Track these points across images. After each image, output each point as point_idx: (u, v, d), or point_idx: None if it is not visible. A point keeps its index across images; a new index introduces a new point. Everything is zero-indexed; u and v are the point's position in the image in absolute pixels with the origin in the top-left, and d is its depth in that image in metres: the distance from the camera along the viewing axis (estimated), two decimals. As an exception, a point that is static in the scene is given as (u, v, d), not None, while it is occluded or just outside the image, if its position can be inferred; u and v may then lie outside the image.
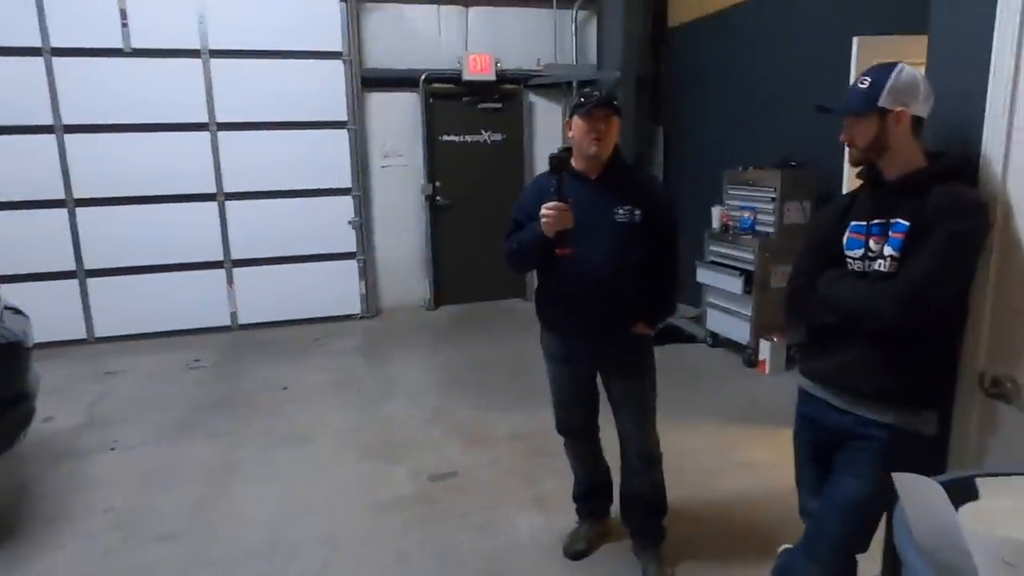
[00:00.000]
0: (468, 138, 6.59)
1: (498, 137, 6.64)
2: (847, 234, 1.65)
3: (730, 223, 4.89)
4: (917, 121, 1.55)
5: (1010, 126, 1.49)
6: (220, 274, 5.98)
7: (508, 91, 6.56)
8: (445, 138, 6.53)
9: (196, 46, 5.58)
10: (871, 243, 1.59)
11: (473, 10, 6.37)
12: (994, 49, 1.49)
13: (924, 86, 1.54)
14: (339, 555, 2.62)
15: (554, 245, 2.05)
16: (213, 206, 5.87)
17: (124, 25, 5.39)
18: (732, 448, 3.44)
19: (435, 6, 6.26)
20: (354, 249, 6.30)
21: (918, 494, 0.95)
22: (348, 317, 6.32)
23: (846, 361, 1.64)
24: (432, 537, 2.72)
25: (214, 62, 5.63)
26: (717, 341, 5.12)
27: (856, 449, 1.66)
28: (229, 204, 5.90)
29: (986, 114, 1.54)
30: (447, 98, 6.43)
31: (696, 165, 6.09)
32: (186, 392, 4.43)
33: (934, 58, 1.68)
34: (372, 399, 4.24)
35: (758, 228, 4.64)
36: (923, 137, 1.59)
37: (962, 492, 0.94)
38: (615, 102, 2.12)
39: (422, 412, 4.00)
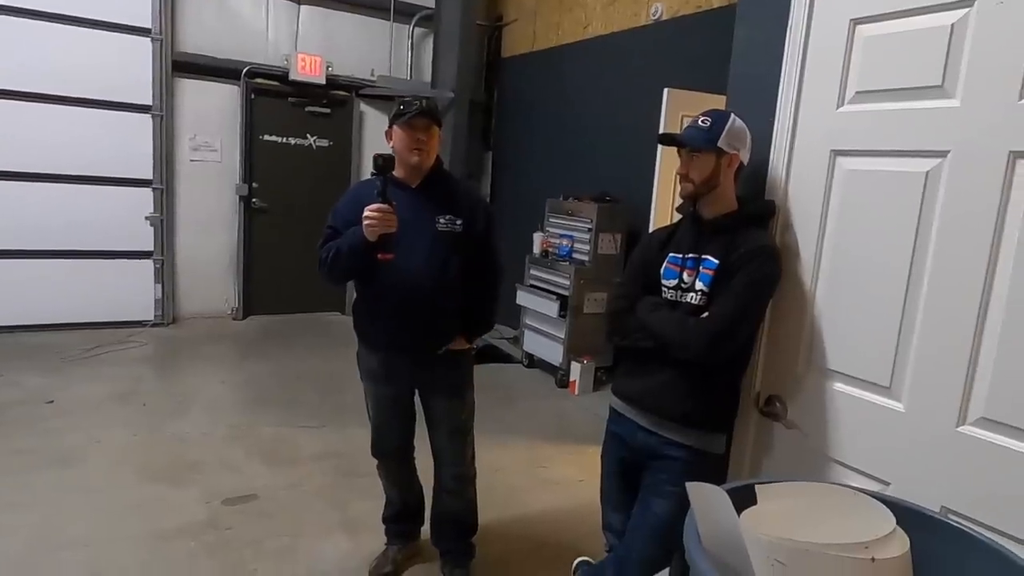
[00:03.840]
0: (292, 140, 6.26)
1: (325, 143, 6.39)
2: (665, 264, 1.78)
3: (550, 249, 5.12)
4: (740, 168, 1.72)
5: (787, 181, 1.71)
6: (-29, 265, 5.04)
7: (339, 97, 6.35)
8: (266, 138, 6.14)
9: (-40, -5, 4.72)
10: (684, 275, 1.73)
11: (306, 8, 6.11)
12: (778, 105, 1.72)
13: (749, 137, 1.71)
14: (105, 594, 2.27)
15: (376, 250, 1.98)
16: (-32, 184, 4.96)
17: None
18: (541, 465, 3.55)
19: (264, -3, 5.91)
20: (151, 248, 5.66)
21: (707, 501, 1.02)
22: (139, 323, 5.63)
23: (655, 385, 1.75)
24: (223, 567, 2.46)
25: (-15, 17, 4.80)
26: (532, 362, 5.30)
27: (660, 470, 1.77)
28: (-8, 183, 5.02)
29: (769, 167, 1.76)
30: (271, 96, 6.06)
31: (521, 191, 6.32)
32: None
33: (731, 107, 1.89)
34: (159, 415, 3.79)
35: (575, 256, 4.90)
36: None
37: (743, 498, 1.02)
38: (437, 112, 2.12)
39: (218, 430, 3.64)
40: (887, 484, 1.51)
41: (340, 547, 2.64)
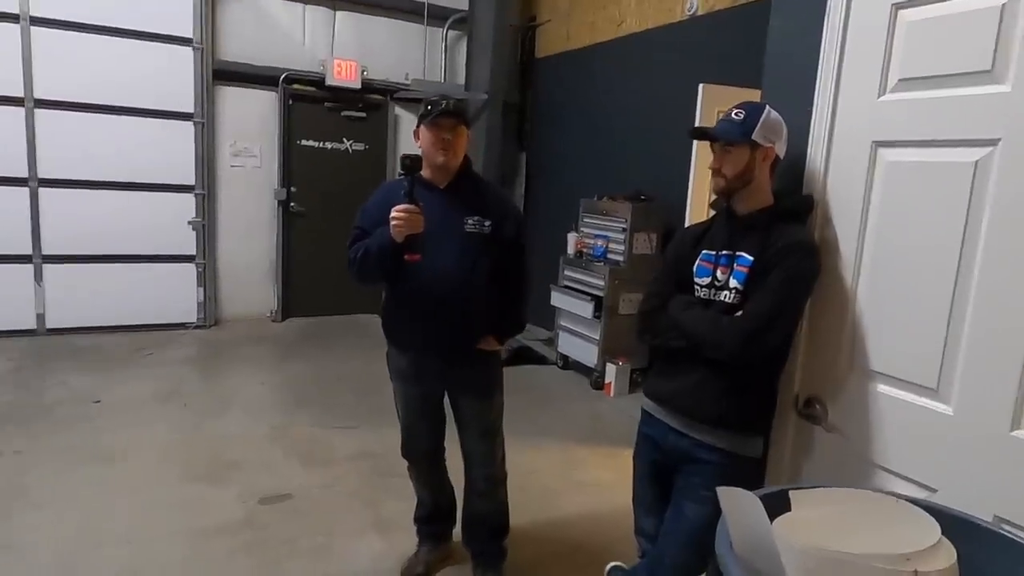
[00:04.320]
0: (329, 145, 6.34)
1: (360, 147, 6.46)
2: (698, 261, 1.73)
3: (584, 250, 5.06)
4: (776, 161, 1.66)
5: (826, 174, 1.65)
6: (27, 270, 5.24)
7: (374, 101, 6.41)
8: (304, 143, 6.24)
9: (13, 9, 4.91)
10: (718, 273, 1.67)
11: (341, 14, 6.18)
12: (816, 96, 1.65)
13: (785, 129, 1.65)
14: (144, 589, 2.32)
15: (403, 251, 1.98)
16: (23, 192, 5.15)
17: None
18: (575, 468, 3.51)
19: (300, 4, 6.00)
20: (193, 252, 5.80)
21: (738, 506, 0.98)
22: (182, 326, 5.78)
23: (687, 386, 1.70)
24: (259, 565, 2.49)
25: (36, 30, 4.99)
26: (567, 364, 5.25)
27: (692, 473, 1.72)
28: (44, 191, 5.21)
29: (807, 160, 1.69)
30: (308, 101, 6.16)
31: (555, 191, 6.28)
32: (-31, 404, 3.79)
33: (768, 101, 1.83)
34: (201, 415, 3.87)
35: (610, 256, 4.84)
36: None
37: (777, 504, 0.98)
38: (463, 112, 2.10)
39: (258, 430, 3.70)
40: (934, 491, 1.43)
41: (373, 547, 2.65)
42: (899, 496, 0.97)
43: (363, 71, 6.14)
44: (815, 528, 0.87)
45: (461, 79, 6.67)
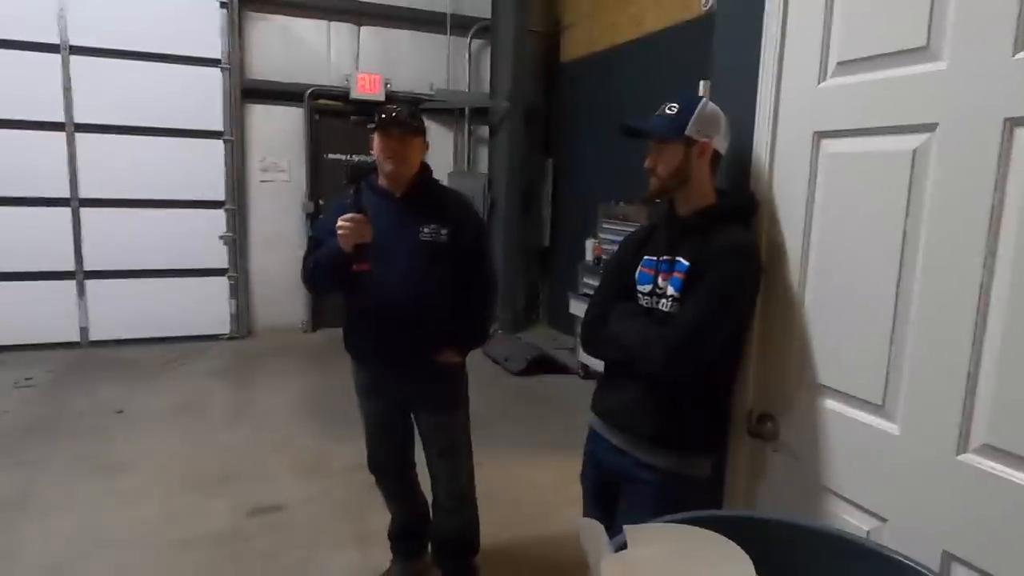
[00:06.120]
0: (355, 157, 6.42)
1: (347, 159, 6.48)
2: (640, 268, 1.62)
3: (602, 256, 4.94)
4: (716, 157, 1.54)
5: (771, 170, 1.51)
6: (70, 285, 5.51)
7: (399, 113, 6.45)
8: (331, 156, 6.34)
9: (54, 40, 5.19)
10: (659, 279, 1.55)
11: (365, 29, 6.27)
12: (759, 85, 1.52)
13: (724, 122, 1.53)
14: (122, 599, 2.35)
15: (351, 261, 1.94)
16: (66, 212, 5.43)
17: (-29, 11, 4.96)
18: (574, 483, 3.38)
19: (325, 21, 6.12)
20: (225, 265, 5.98)
21: (588, 540, 0.89)
22: (216, 337, 5.96)
23: (625, 401, 1.59)
24: (235, 578, 2.49)
25: (75, 59, 5.26)
26: (588, 373, 5.12)
27: (632, 494, 1.60)
28: (85, 211, 5.48)
29: (753, 156, 1.56)
30: (334, 115, 6.26)
31: (579, 197, 6.17)
32: (2, 414, 3.98)
33: (715, 96, 1.70)
34: (213, 426, 3.95)
35: (627, 262, 4.69)
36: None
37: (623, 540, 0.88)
38: (414, 120, 2.04)
39: (263, 441, 3.74)
40: (884, 520, 1.28)
41: (351, 562, 2.61)
42: (726, 537, 0.85)
43: (387, 83, 6.20)
44: (639, 568, 0.77)
45: (486, 87, 6.66)
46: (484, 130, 6.78)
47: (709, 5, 4.44)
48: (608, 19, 5.78)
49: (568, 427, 4.14)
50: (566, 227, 6.51)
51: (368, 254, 1.95)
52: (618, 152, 5.54)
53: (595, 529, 0.86)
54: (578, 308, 5.05)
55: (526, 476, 3.36)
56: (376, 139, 2.02)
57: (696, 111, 1.50)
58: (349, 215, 1.92)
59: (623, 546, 0.87)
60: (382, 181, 2.10)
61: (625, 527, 0.87)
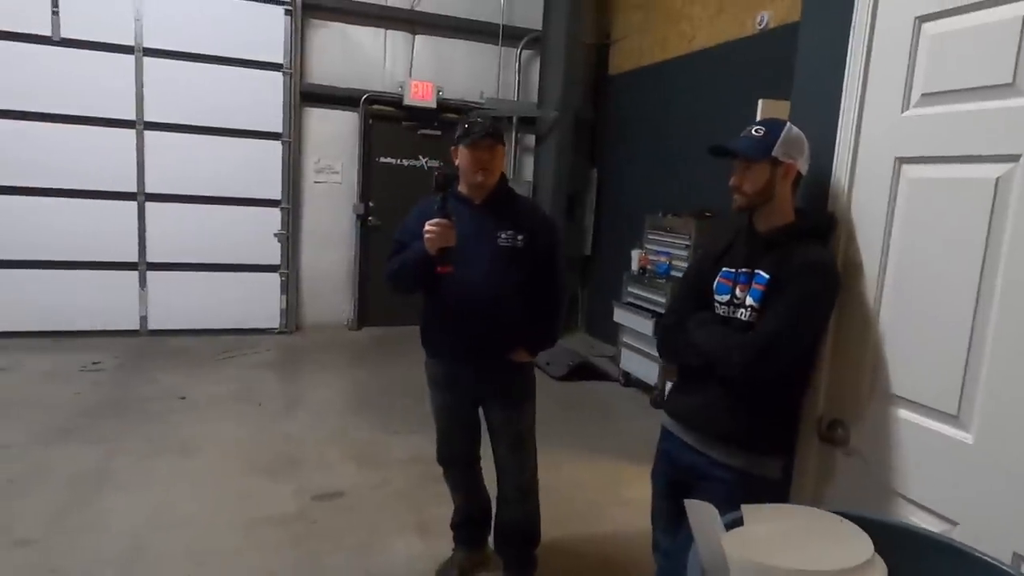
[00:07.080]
0: (405, 162, 6.61)
1: (436, 164, 6.69)
2: (718, 278, 1.72)
3: (648, 266, 5.02)
4: (797, 177, 1.64)
5: (850, 191, 1.61)
6: (133, 276, 5.76)
7: (449, 120, 6.63)
8: (382, 160, 6.53)
9: (130, 42, 5.46)
10: (737, 290, 1.66)
11: (420, 38, 6.46)
12: (841, 111, 1.62)
13: (807, 146, 1.63)
14: (201, 570, 2.51)
15: (435, 263, 2.07)
16: (132, 206, 5.69)
17: (55, 13, 5.24)
18: (623, 485, 3.49)
19: (382, 30, 6.32)
20: (278, 262, 6.19)
21: (700, 520, 0.99)
22: (266, 331, 6.16)
23: (702, 403, 1.69)
24: (304, 557, 2.64)
25: (147, 60, 5.52)
26: (629, 380, 5.21)
27: (705, 491, 1.69)
28: (149, 205, 5.73)
29: (832, 177, 1.66)
30: (387, 121, 6.45)
31: (624, 208, 6.27)
32: (76, 395, 4.21)
33: (795, 119, 1.80)
34: (271, 415, 4.13)
35: (673, 273, 4.78)
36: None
37: (737, 519, 0.98)
38: (499, 132, 2.18)
39: (320, 431, 3.91)
40: (955, 524, 1.36)
41: (413, 548, 2.74)
42: (842, 515, 0.95)
43: (439, 91, 6.38)
44: (759, 543, 0.88)
45: (534, 97, 6.79)
46: (530, 139, 6.92)
47: (764, 24, 4.53)
48: (659, 34, 5.88)
49: (607, 432, 4.25)
50: (608, 236, 6.61)
51: (451, 257, 2.08)
52: (663, 165, 5.64)
53: (706, 510, 0.96)
54: (622, 317, 5.14)
55: (574, 475, 3.47)
56: (464, 151, 2.15)
57: (782, 134, 1.60)
58: (436, 220, 2.05)
59: (734, 524, 0.97)
60: (462, 188, 2.24)
61: (743, 506, 0.97)
